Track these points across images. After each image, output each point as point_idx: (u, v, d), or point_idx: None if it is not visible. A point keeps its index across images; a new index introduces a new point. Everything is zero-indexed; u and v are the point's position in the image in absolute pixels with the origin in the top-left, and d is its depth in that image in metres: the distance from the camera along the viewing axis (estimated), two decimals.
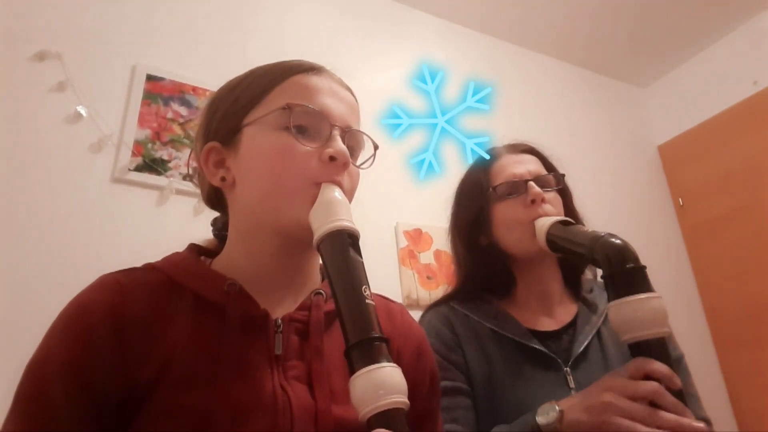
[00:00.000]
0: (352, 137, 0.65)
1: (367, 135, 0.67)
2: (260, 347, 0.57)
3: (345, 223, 0.55)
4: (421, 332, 0.73)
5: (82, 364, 0.51)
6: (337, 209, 0.56)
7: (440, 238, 2.09)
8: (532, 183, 0.94)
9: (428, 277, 1.99)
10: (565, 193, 1.01)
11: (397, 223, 2.03)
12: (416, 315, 0.80)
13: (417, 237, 2.05)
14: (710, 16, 2.70)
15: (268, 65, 0.67)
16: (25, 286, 1.35)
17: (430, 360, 0.71)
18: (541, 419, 0.74)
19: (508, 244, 0.96)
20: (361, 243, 0.57)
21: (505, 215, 0.96)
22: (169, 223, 1.60)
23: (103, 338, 0.52)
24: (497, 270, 0.98)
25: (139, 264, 0.62)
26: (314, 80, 0.64)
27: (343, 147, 0.61)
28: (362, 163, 0.68)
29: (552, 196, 0.96)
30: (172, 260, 0.63)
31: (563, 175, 1.01)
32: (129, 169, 1.60)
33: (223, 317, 0.57)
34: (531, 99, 2.70)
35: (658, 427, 0.63)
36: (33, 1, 1.62)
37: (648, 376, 0.67)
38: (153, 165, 1.64)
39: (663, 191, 2.96)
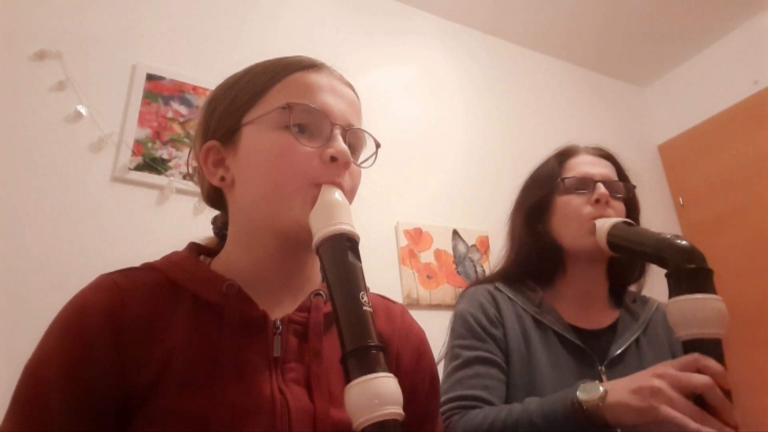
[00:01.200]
0: (354, 135, 0.64)
1: (368, 133, 0.66)
2: (259, 349, 0.57)
3: (344, 227, 0.54)
4: (422, 333, 0.72)
5: (79, 366, 0.51)
6: (337, 212, 0.56)
7: (440, 238, 2.09)
8: (600, 184, 0.97)
9: (428, 277, 1.99)
10: (632, 206, 1.03)
11: (397, 223, 2.03)
12: (416, 314, 0.80)
13: (417, 236, 2.05)
14: (710, 16, 2.69)
15: (267, 62, 0.66)
16: (25, 286, 1.35)
17: (429, 362, 0.71)
18: (582, 395, 0.73)
19: (562, 236, 0.98)
20: (361, 242, 0.56)
21: (567, 207, 0.98)
22: (169, 222, 1.60)
23: (101, 340, 0.52)
24: (547, 259, 1.00)
25: (138, 263, 0.62)
26: (314, 77, 0.63)
27: (344, 147, 0.60)
28: (363, 162, 0.67)
29: (617, 204, 0.98)
30: (171, 260, 0.62)
31: (634, 187, 1.04)
32: (129, 169, 1.60)
33: (221, 318, 0.56)
34: (531, 98, 2.70)
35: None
36: (33, 0, 1.62)
37: (700, 372, 0.66)
38: (153, 164, 1.64)
39: (663, 191, 2.96)
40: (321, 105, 0.61)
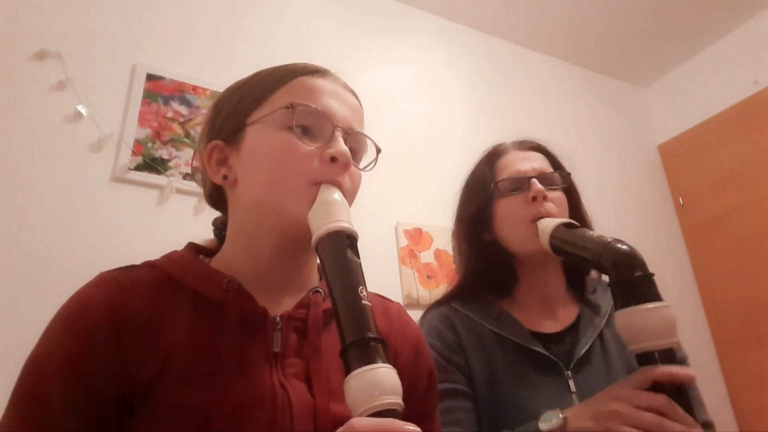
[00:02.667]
0: (355, 139, 0.65)
1: (369, 138, 0.67)
2: (259, 345, 0.57)
3: (343, 224, 0.55)
4: (419, 331, 0.73)
5: (80, 363, 0.51)
6: (336, 210, 0.56)
7: (440, 238, 2.09)
8: (534, 180, 0.93)
9: (428, 277, 1.99)
10: (571, 193, 0.99)
11: (397, 223, 2.03)
12: (416, 314, 0.80)
13: (417, 236, 2.05)
14: (710, 16, 2.70)
15: (273, 67, 0.68)
16: (25, 285, 1.35)
17: (427, 359, 0.71)
18: (543, 426, 0.73)
19: (509, 242, 0.95)
20: (361, 242, 0.57)
21: (506, 212, 0.94)
22: (169, 222, 1.60)
23: (102, 337, 0.52)
24: (499, 268, 0.97)
25: (138, 263, 0.62)
26: (318, 82, 0.65)
27: (345, 148, 0.61)
28: (365, 167, 0.68)
29: (556, 195, 0.94)
30: (171, 258, 0.63)
31: (569, 174, 0.99)
32: (129, 168, 1.60)
33: (222, 315, 0.57)
34: (531, 98, 2.70)
35: None
36: (33, 0, 1.62)
37: (655, 383, 0.66)
38: (153, 164, 1.64)
39: (663, 191, 2.96)
40: (324, 107, 0.62)
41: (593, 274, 1.03)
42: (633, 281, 0.69)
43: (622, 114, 3.05)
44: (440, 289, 1.97)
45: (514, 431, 0.79)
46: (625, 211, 2.65)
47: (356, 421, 0.44)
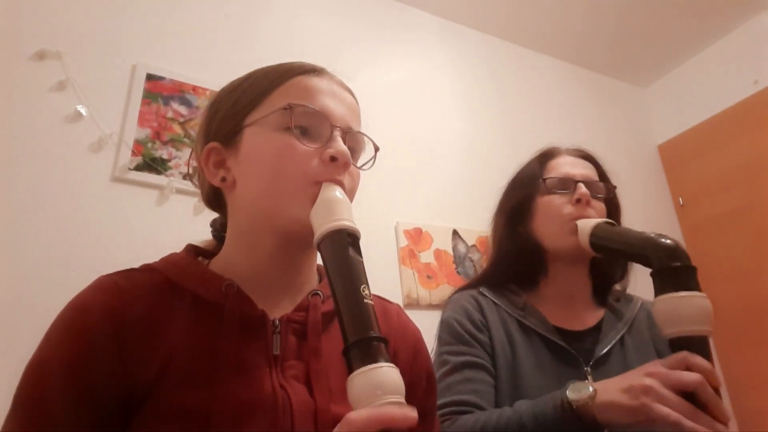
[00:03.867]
0: (353, 138, 0.65)
1: (367, 137, 0.67)
2: (258, 347, 0.57)
3: (345, 223, 0.55)
4: (418, 332, 0.73)
5: (81, 366, 0.51)
6: (337, 208, 0.56)
7: (440, 238, 2.09)
8: (581, 184, 0.97)
9: (428, 277, 1.99)
10: (613, 206, 1.03)
11: (397, 223, 2.03)
12: (416, 314, 0.80)
13: (417, 236, 2.05)
14: (710, 16, 2.69)
15: (269, 67, 0.67)
16: (25, 286, 1.35)
17: (426, 360, 0.71)
18: (572, 395, 0.73)
19: (544, 237, 0.98)
20: (361, 242, 0.57)
21: (548, 208, 0.98)
22: (169, 222, 1.60)
23: (103, 340, 0.52)
24: (529, 261, 1.00)
25: (138, 263, 0.62)
26: (315, 81, 0.64)
27: (344, 147, 0.61)
28: (363, 165, 0.68)
29: (598, 204, 0.98)
30: (170, 261, 0.63)
31: (615, 188, 1.04)
32: (129, 169, 1.60)
33: (221, 317, 0.57)
34: (531, 98, 2.70)
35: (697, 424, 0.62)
36: (33, 0, 1.62)
37: (689, 369, 0.66)
38: (153, 164, 1.64)
39: (663, 191, 2.96)
40: (321, 107, 0.62)
41: (617, 287, 1.06)
42: (674, 270, 0.71)
43: (622, 114, 3.05)
44: (440, 289, 1.97)
45: (535, 400, 0.79)
46: (625, 211, 2.63)
47: (353, 415, 0.44)
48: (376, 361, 0.47)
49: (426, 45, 2.49)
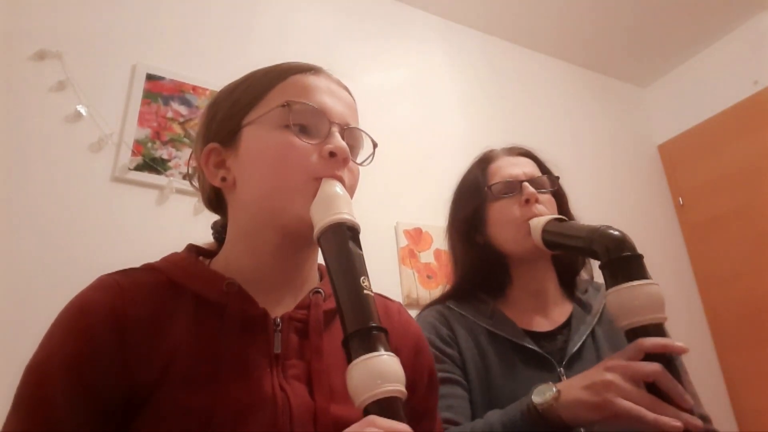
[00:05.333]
0: (351, 135, 0.65)
1: (365, 133, 0.68)
2: (260, 346, 0.57)
3: (345, 216, 0.55)
4: (419, 330, 0.73)
5: (83, 365, 0.51)
6: (337, 203, 0.57)
7: (440, 238, 2.09)
8: (526, 183, 0.97)
9: (428, 276, 1.99)
10: (559, 196, 1.03)
11: (397, 223, 2.03)
12: (416, 314, 0.80)
13: (417, 236, 2.05)
14: (710, 16, 2.70)
15: (267, 67, 0.68)
16: (25, 286, 1.35)
17: (428, 357, 0.72)
18: (537, 398, 0.73)
19: (502, 243, 0.98)
20: (361, 242, 0.57)
21: (499, 214, 0.98)
22: (169, 222, 1.60)
23: (105, 339, 0.52)
24: (492, 269, 1.00)
25: (138, 263, 0.62)
26: (312, 80, 0.65)
27: (343, 143, 0.61)
28: (362, 161, 0.68)
29: (546, 197, 0.98)
30: (171, 260, 0.63)
31: (558, 178, 1.04)
32: (129, 169, 1.60)
33: (222, 317, 0.57)
34: (531, 98, 2.70)
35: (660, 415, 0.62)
36: (33, 0, 1.62)
37: (647, 355, 0.66)
38: (153, 164, 1.64)
39: (663, 191, 2.96)
40: (319, 104, 0.63)
41: (585, 276, 1.05)
42: (622, 260, 0.71)
43: (621, 114, 3.05)
44: (440, 290, 1.96)
45: (505, 408, 0.79)
46: (625, 211, 2.65)
47: (377, 420, 0.43)
48: (376, 350, 0.47)
49: (426, 45, 2.49)
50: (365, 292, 0.51)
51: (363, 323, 0.49)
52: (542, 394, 0.73)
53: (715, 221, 2.69)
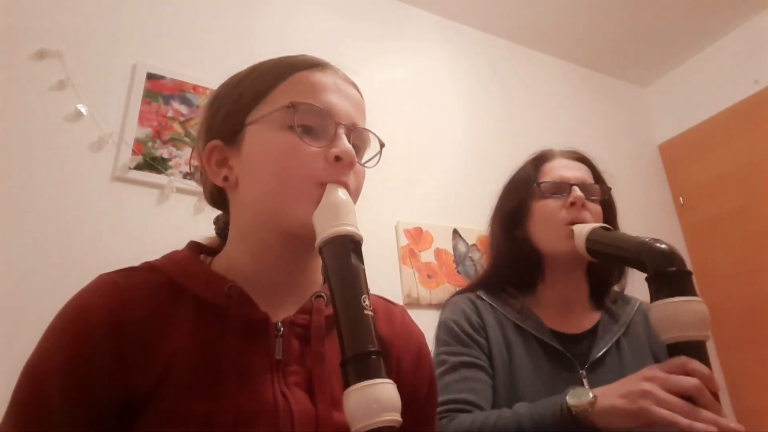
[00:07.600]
0: (358, 135, 0.63)
1: (372, 133, 0.65)
2: (261, 352, 0.56)
3: (348, 228, 0.54)
4: (422, 336, 0.72)
5: (80, 367, 0.50)
6: (341, 212, 0.55)
7: (441, 237, 2.09)
8: (576, 187, 0.97)
9: (428, 276, 1.99)
10: (609, 207, 1.03)
11: (397, 222, 2.03)
12: (416, 314, 0.79)
13: (417, 236, 2.05)
14: (710, 16, 2.69)
15: (271, 61, 0.65)
16: (26, 285, 1.35)
17: (429, 365, 0.70)
18: (572, 401, 0.74)
19: (541, 241, 0.99)
20: (362, 254, 0.55)
21: (543, 212, 0.98)
22: (169, 221, 1.60)
23: (102, 342, 0.51)
24: (527, 265, 1.01)
25: (138, 263, 0.61)
26: (319, 77, 0.62)
27: (349, 146, 0.59)
28: (367, 161, 0.66)
29: (594, 206, 0.98)
30: (172, 259, 0.61)
31: (610, 189, 1.04)
32: (129, 168, 1.60)
33: (223, 320, 0.55)
34: (531, 97, 2.70)
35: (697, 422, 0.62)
36: (33, 0, 1.62)
37: (687, 375, 0.66)
38: (153, 163, 1.64)
39: (664, 190, 2.96)
40: (325, 104, 0.60)
41: (616, 288, 1.06)
42: (670, 275, 0.71)
43: (622, 114, 3.05)
44: (440, 289, 1.97)
45: (535, 403, 0.79)
46: (625, 210, 2.62)
47: None
48: (372, 377, 0.47)
49: (426, 44, 2.48)
50: (365, 312, 0.50)
51: (361, 347, 0.48)
52: (578, 398, 0.73)
53: (715, 220, 2.69)
